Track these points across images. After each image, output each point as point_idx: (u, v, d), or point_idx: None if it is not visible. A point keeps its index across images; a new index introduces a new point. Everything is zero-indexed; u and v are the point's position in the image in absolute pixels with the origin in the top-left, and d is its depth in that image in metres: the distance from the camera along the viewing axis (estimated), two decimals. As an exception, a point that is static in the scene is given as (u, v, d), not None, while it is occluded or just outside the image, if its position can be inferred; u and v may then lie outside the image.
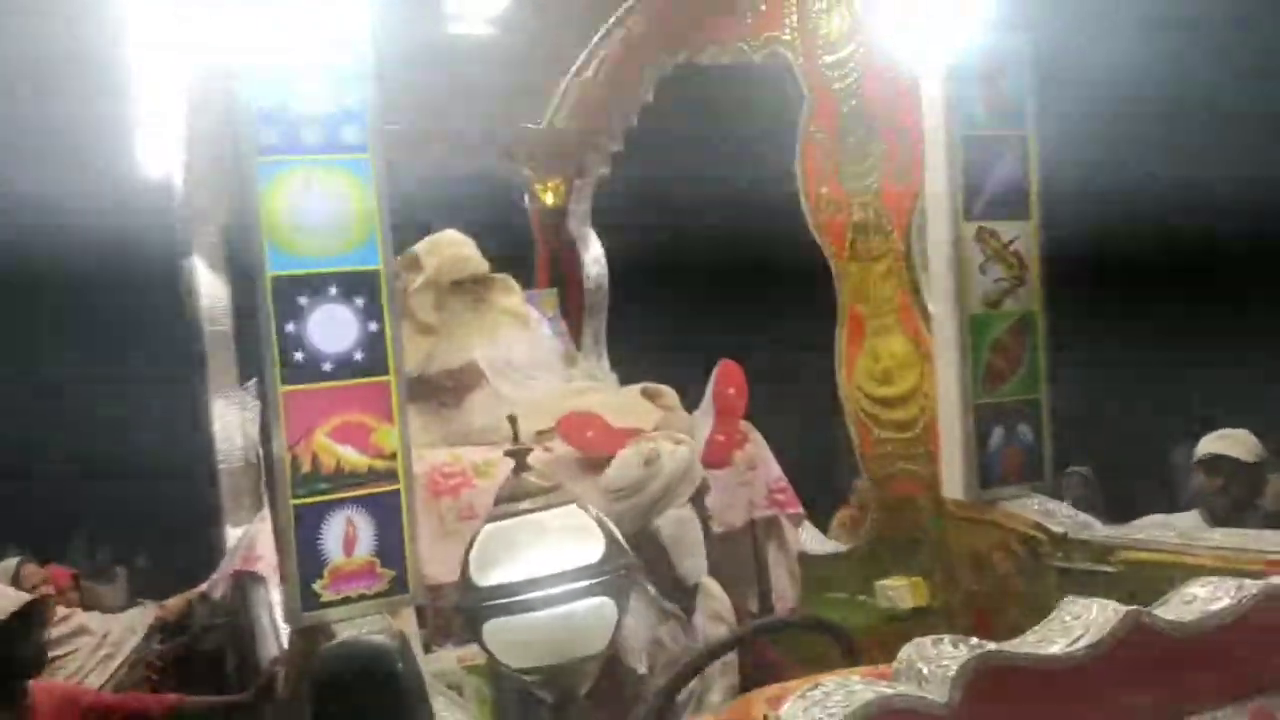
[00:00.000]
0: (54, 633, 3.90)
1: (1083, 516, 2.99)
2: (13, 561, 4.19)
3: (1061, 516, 2.99)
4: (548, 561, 1.34)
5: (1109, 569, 2.77)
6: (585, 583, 1.33)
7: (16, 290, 7.16)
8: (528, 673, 1.37)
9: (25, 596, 3.31)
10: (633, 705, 2.34)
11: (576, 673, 1.37)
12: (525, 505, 1.39)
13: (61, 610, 4.10)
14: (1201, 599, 1.81)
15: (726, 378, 3.27)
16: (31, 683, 3.24)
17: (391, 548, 2.38)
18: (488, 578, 1.34)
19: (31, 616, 3.21)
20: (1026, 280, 3.12)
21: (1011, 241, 3.10)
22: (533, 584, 1.32)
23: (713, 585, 2.55)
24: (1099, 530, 2.91)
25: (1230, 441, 3.82)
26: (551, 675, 1.36)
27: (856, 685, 1.59)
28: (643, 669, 2.43)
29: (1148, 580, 2.66)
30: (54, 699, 3.27)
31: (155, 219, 4.76)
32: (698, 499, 2.56)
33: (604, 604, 1.35)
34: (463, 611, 1.38)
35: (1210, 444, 3.86)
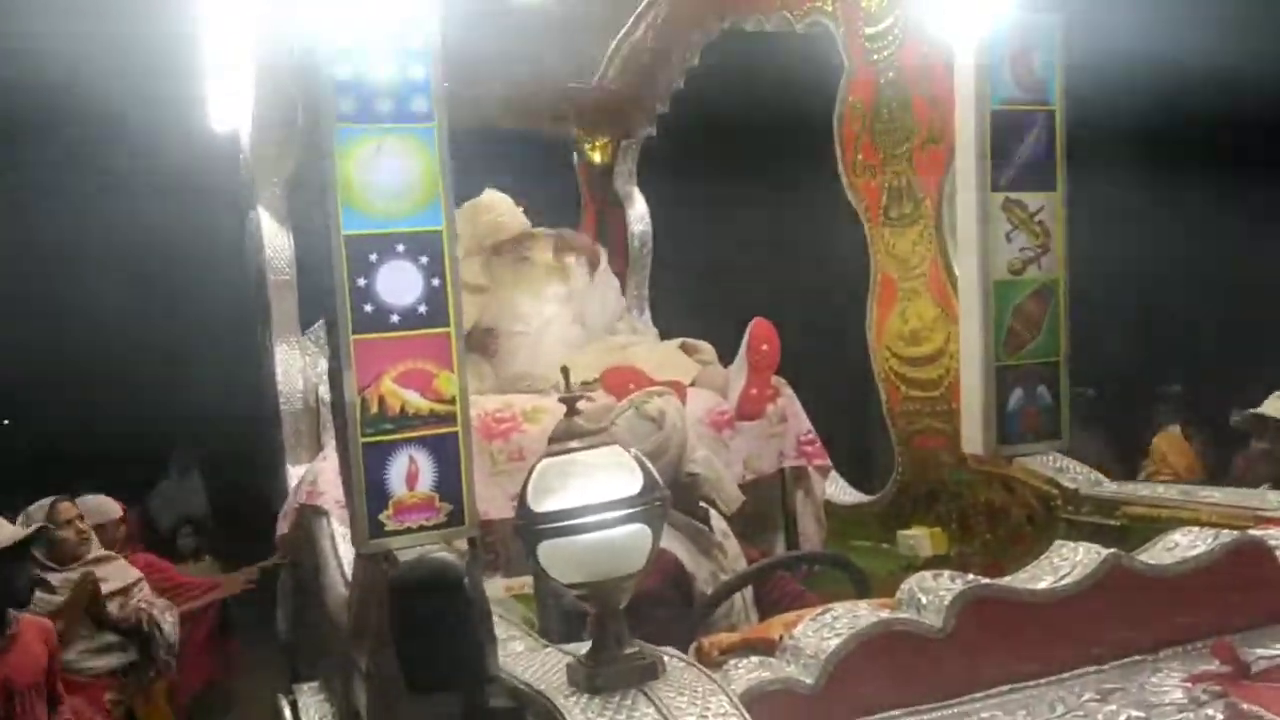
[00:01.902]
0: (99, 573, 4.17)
1: (1095, 475, 3.16)
2: (48, 500, 4.33)
3: (1074, 473, 3.17)
4: (594, 492, 1.55)
5: (1114, 523, 2.95)
6: (625, 511, 1.55)
7: (86, 240, 7.47)
8: (575, 587, 1.60)
9: (20, 533, 3.55)
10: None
11: (617, 589, 1.60)
12: (575, 445, 1.61)
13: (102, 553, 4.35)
14: (1181, 546, 2.01)
15: (760, 334, 3.46)
16: (18, 613, 3.49)
17: (449, 484, 2.60)
18: (543, 505, 1.56)
19: (24, 551, 3.45)
20: (1050, 249, 3.28)
21: (1037, 211, 3.25)
22: (581, 511, 1.54)
23: (714, 518, 2.80)
24: (1108, 487, 3.09)
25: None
26: (596, 590, 1.59)
27: (862, 611, 1.81)
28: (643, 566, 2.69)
29: (1149, 533, 2.84)
30: (36, 628, 3.54)
31: (222, 172, 4.98)
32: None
33: (641, 530, 1.57)
34: (521, 533, 1.60)
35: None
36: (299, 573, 4.21)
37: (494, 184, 4.52)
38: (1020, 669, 1.81)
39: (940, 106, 3.39)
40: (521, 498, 1.60)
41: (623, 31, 4.96)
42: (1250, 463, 3.80)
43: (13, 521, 3.90)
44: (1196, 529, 2.03)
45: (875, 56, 3.64)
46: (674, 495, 2.51)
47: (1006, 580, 1.88)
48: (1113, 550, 1.88)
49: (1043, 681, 1.81)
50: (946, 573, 1.85)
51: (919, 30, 3.44)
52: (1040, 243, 3.26)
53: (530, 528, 1.57)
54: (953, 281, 3.45)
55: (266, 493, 4.44)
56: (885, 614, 1.77)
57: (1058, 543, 1.94)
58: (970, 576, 1.84)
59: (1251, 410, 3.91)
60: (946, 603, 1.76)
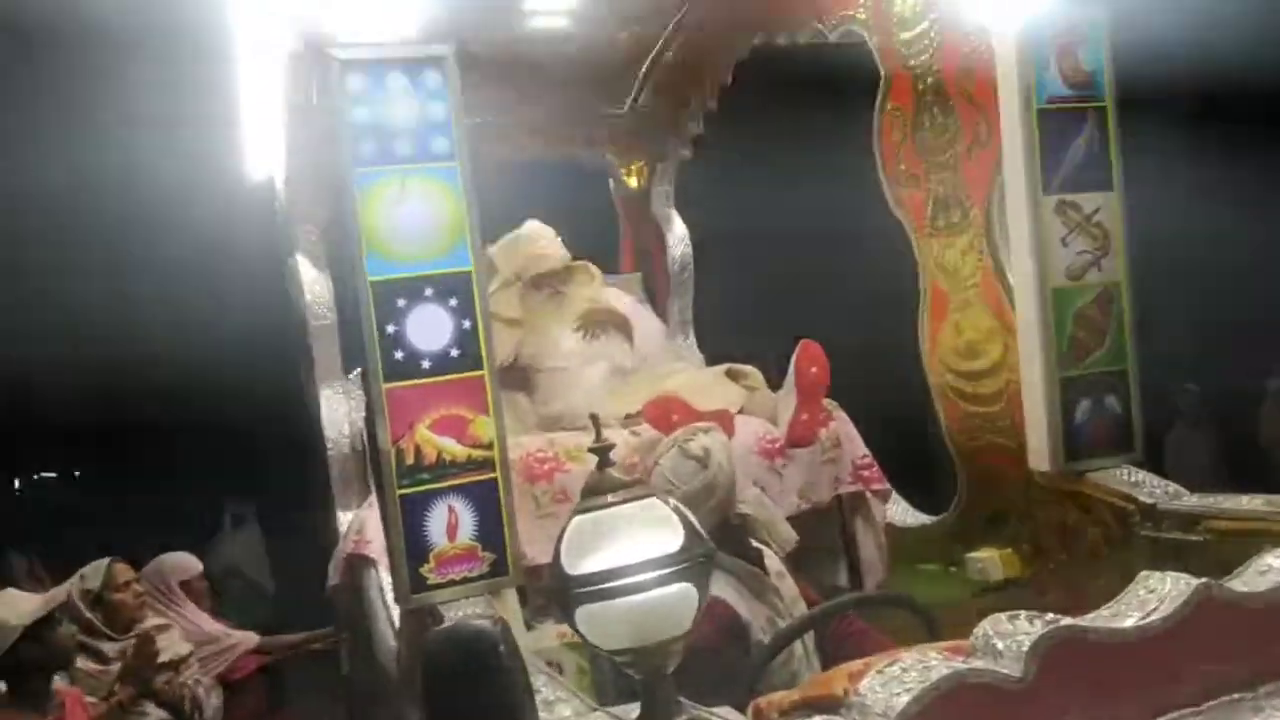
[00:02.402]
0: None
1: (1174, 487, 2.98)
2: (104, 562, 4.23)
3: (1151, 487, 3.00)
4: (632, 551, 1.44)
5: (1197, 538, 2.77)
6: (667, 570, 1.43)
7: (127, 289, 7.53)
8: (618, 654, 1.48)
9: (43, 608, 3.44)
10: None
11: (663, 653, 1.48)
12: (610, 499, 1.50)
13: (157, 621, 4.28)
14: (1276, 569, 1.84)
15: (808, 357, 3.33)
16: (59, 686, 3.39)
17: (491, 532, 2.52)
18: (577, 567, 1.45)
19: (50, 623, 3.35)
20: (1110, 251, 3.12)
21: (1094, 213, 3.10)
22: (619, 572, 1.43)
23: (768, 554, 2.66)
24: (1188, 500, 2.91)
25: None
26: (640, 656, 1.47)
27: (933, 660, 1.66)
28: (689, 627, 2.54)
29: (1236, 549, 2.66)
30: (79, 703, 3.43)
31: (258, 219, 4.97)
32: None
33: (685, 589, 1.45)
34: (556, 598, 1.49)
35: None
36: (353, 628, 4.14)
37: (529, 215, 4.45)
38: (1109, 715, 1.66)
39: (984, 109, 3.26)
40: (554, 558, 1.49)
41: (653, 53, 4.87)
42: None
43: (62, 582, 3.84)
44: (1292, 549, 1.86)
45: (913, 62, 3.51)
46: (724, 537, 2.40)
47: (1089, 619, 1.72)
48: (1203, 580, 1.72)
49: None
50: (1023, 613, 1.70)
51: (957, 32, 3.31)
52: (1099, 245, 3.11)
53: (566, 591, 1.46)
54: (1008, 291, 3.30)
55: (318, 542, 4.39)
56: (959, 663, 1.63)
57: (1143, 574, 1.79)
58: (1049, 616, 1.70)
59: None
60: (1025, 648, 1.61)
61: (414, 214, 2.43)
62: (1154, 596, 1.76)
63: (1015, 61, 3.04)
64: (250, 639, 4.66)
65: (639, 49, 4.86)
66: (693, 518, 1.52)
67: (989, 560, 3.43)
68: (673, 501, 1.54)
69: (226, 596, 6.07)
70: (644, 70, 4.94)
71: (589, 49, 4.62)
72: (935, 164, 3.52)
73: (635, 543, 1.45)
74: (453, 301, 2.46)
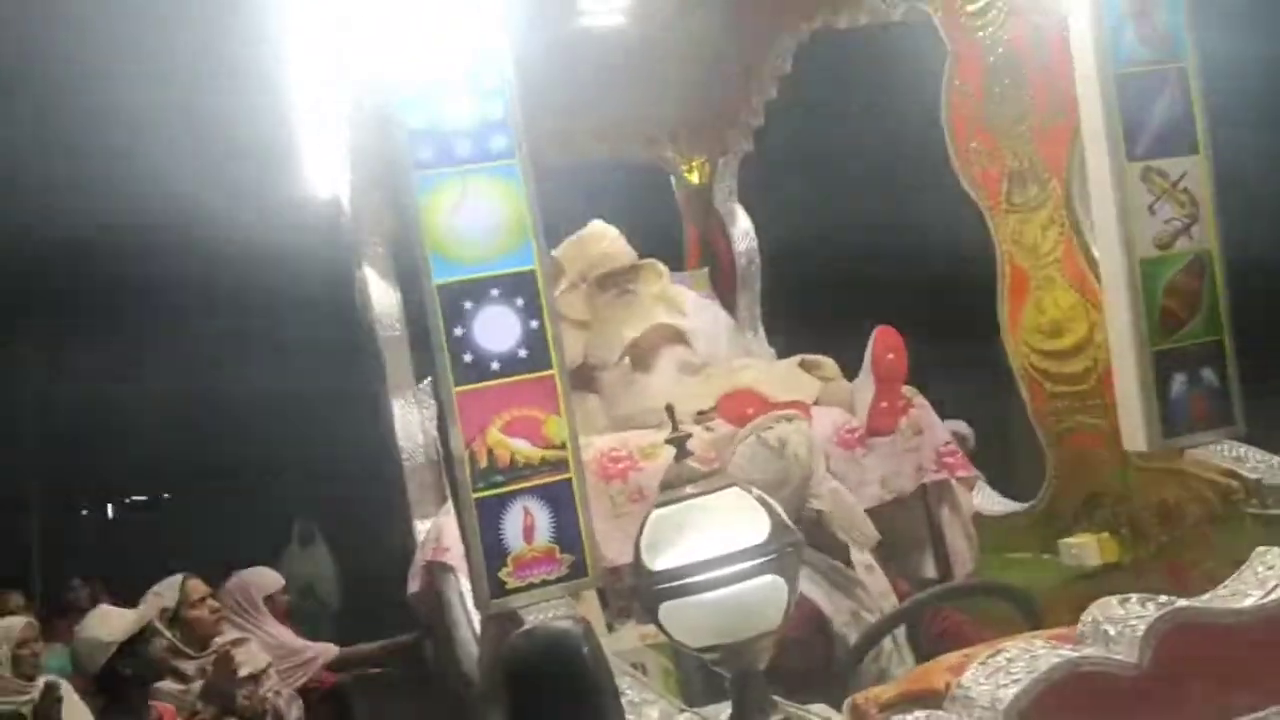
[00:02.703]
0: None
1: (1278, 460, 2.83)
2: (178, 578, 4.28)
3: (1255, 462, 2.85)
4: (716, 543, 1.38)
5: (1311, 514, 2.62)
6: (754, 562, 1.36)
7: (199, 310, 7.65)
8: (705, 651, 1.42)
9: (136, 623, 3.47)
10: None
11: (752, 649, 1.41)
12: (689, 490, 1.43)
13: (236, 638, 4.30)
14: None
15: (884, 343, 3.24)
16: (155, 702, 3.42)
17: (568, 533, 2.46)
18: (659, 562, 1.39)
19: (143, 637, 3.38)
20: (1199, 218, 2.97)
21: (1180, 178, 2.96)
22: (703, 566, 1.36)
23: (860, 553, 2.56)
24: (1297, 474, 2.76)
25: None
26: (729, 653, 1.40)
27: (1040, 649, 1.58)
28: (854, 638, 2.46)
29: (1357, 523, 2.52)
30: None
31: (326, 234, 5.01)
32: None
33: (774, 581, 1.38)
34: (638, 596, 1.44)
35: None
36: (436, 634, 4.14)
37: (591, 218, 4.41)
38: (1232, 703, 1.55)
39: (1058, 79, 3.13)
40: (635, 555, 1.43)
41: (709, 46, 4.80)
42: None
43: (138, 602, 3.90)
44: None
45: (980, 34, 3.40)
46: (803, 531, 2.33)
47: (1205, 600, 1.62)
48: (1331, 555, 1.60)
49: (1260, 715, 1.55)
50: (1134, 596, 1.61)
51: (1025, 1, 3.19)
52: (1188, 212, 2.96)
53: (648, 589, 1.40)
54: (1092, 265, 3.17)
55: (395, 554, 4.39)
56: (1068, 651, 1.54)
57: (1259, 549, 1.68)
58: (1163, 599, 1.59)
59: None
60: (1140, 633, 1.52)
61: (476, 214, 2.39)
62: (1273, 574, 1.66)
63: (1089, 25, 2.92)
64: (330, 650, 4.69)
65: (695, 42, 4.80)
66: (779, 507, 1.45)
67: (1085, 545, 3.29)
68: (756, 490, 1.47)
69: (299, 614, 6.12)
70: (702, 64, 4.88)
71: (644, 46, 4.57)
72: (1009, 138, 3.40)
73: (719, 535, 1.38)
74: (519, 301, 2.41)
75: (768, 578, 1.37)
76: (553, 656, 1.40)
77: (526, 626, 1.50)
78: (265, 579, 4.83)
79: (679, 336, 3.73)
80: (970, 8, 3.41)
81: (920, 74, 3.75)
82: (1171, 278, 2.97)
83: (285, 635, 4.66)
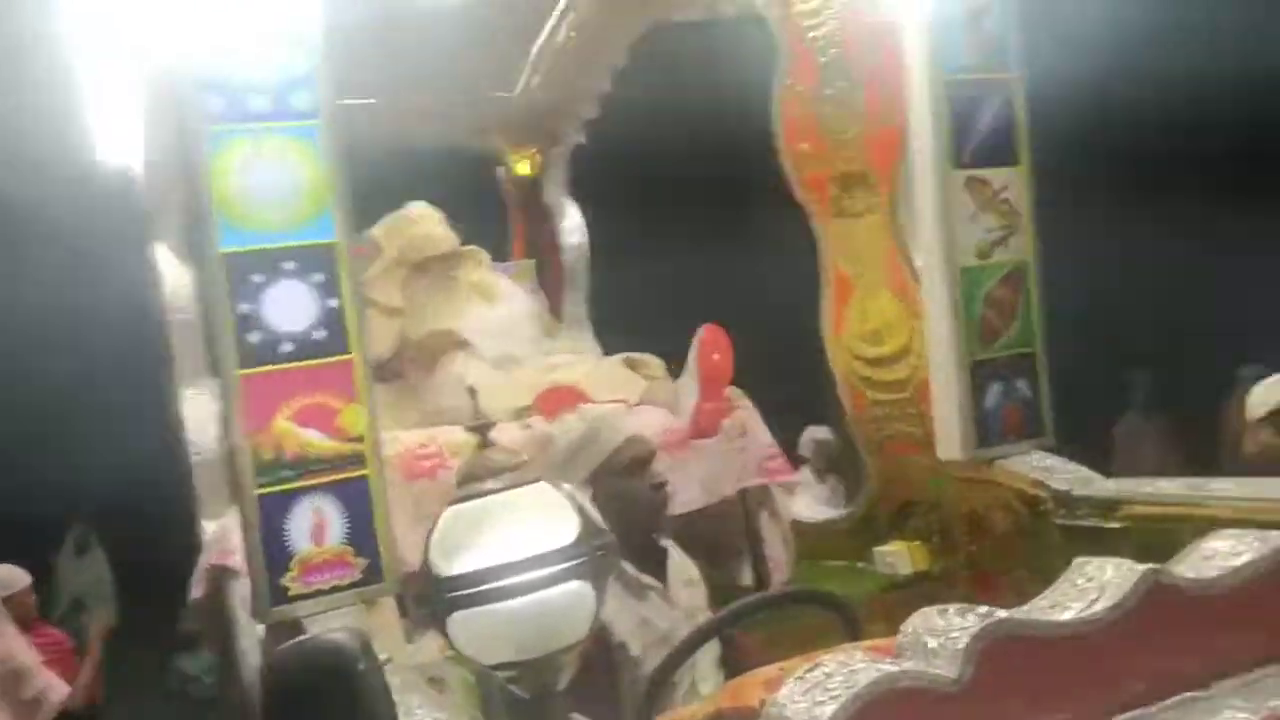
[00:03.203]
0: None
1: (1085, 472, 2.88)
2: None
3: (1064, 473, 2.89)
4: (517, 545, 1.21)
5: (1115, 525, 2.67)
6: (559, 566, 1.21)
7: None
8: (500, 668, 1.25)
9: None
10: (630, 690, 2.22)
11: (554, 665, 1.25)
12: (490, 485, 1.26)
13: None
14: (1222, 553, 1.70)
15: (711, 343, 3.15)
16: None
17: (364, 535, 2.26)
18: (451, 566, 1.22)
19: None
20: (1018, 229, 3.01)
21: (1002, 189, 2.99)
22: (501, 570, 1.20)
23: (676, 551, 2.43)
24: (1103, 485, 2.81)
25: None
26: (527, 670, 1.24)
27: (859, 664, 1.47)
28: (636, 651, 2.31)
29: (1157, 535, 2.56)
30: None
31: (115, 206, 4.59)
32: (636, 466, 2.38)
33: (581, 588, 1.23)
34: (423, 604, 1.26)
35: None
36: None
37: (416, 200, 4.17)
38: (1053, 718, 1.49)
39: (890, 84, 3.12)
40: (423, 558, 1.26)
41: (544, 35, 4.65)
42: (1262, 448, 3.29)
43: None
44: (1234, 532, 1.73)
45: (813, 34, 3.36)
46: (622, 529, 2.19)
47: (1026, 611, 1.56)
48: (1148, 566, 1.57)
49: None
50: (953, 607, 1.53)
51: (860, 3, 3.17)
52: (1008, 223, 3.00)
53: (437, 596, 1.22)
54: (914, 273, 3.18)
55: (178, 559, 4.04)
56: (888, 665, 1.44)
57: (1078, 561, 1.63)
58: (983, 610, 1.52)
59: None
60: (961, 645, 1.43)
61: (271, 178, 2.16)
62: (1093, 585, 1.60)
63: (922, 31, 2.91)
64: (59, 690, 4.15)
65: (529, 30, 4.64)
66: (590, 506, 1.30)
67: (898, 553, 3.30)
68: (567, 487, 1.31)
69: (71, 628, 5.58)
70: (535, 52, 4.72)
71: (478, 30, 4.38)
72: (839, 142, 3.37)
73: (521, 535, 1.22)
74: (316, 277, 2.19)
75: (573, 584, 1.21)
76: (320, 675, 1.21)
77: (294, 640, 1.31)
78: (8, 577, 4.36)
79: (493, 328, 3.55)
80: (803, 7, 3.37)
81: (755, 72, 3.69)
82: (990, 288, 3.00)
83: (18, 646, 4.14)
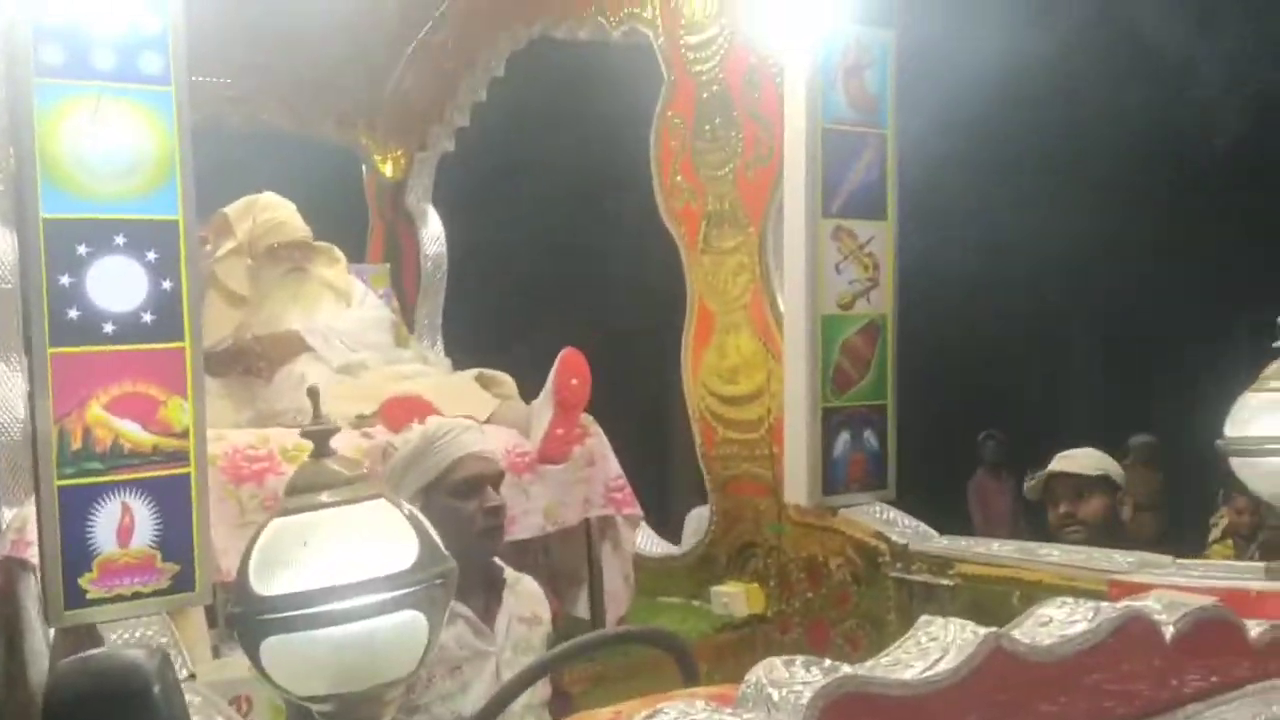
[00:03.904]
0: None
1: (923, 528, 2.93)
2: None
3: (903, 527, 2.93)
4: (347, 566, 1.11)
5: (947, 582, 2.71)
6: (392, 593, 1.10)
7: None
8: (315, 701, 1.14)
9: None
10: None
11: (377, 701, 1.14)
12: (324, 497, 1.15)
13: None
14: (1058, 621, 1.72)
15: (570, 367, 3.06)
16: None
17: (176, 539, 2.09)
18: (270, 584, 1.10)
19: None
20: (880, 283, 3.05)
21: (867, 242, 3.03)
22: (326, 594, 1.09)
23: (528, 584, 2.32)
24: (939, 542, 2.85)
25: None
26: (346, 705, 1.13)
27: (699, 712, 1.42)
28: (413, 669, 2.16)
29: (987, 595, 2.62)
30: None
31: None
32: (472, 487, 2.26)
33: (414, 619, 1.13)
34: (236, 623, 1.13)
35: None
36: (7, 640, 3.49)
37: (268, 189, 3.96)
38: (888, 778, 1.46)
39: (767, 124, 3.14)
40: (240, 572, 1.13)
41: (422, 33, 4.52)
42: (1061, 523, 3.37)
43: None
44: (1069, 601, 1.75)
45: (698, 68, 3.35)
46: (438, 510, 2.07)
47: (870, 667, 1.53)
48: (991, 630, 1.57)
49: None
50: (799, 659, 1.48)
51: (746, 41, 3.18)
52: (870, 275, 3.04)
53: (251, 617, 1.10)
54: (776, 315, 3.18)
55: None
56: (729, 715, 1.39)
57: (923, 618, 1.62)
58: (827, 663, 1.48)
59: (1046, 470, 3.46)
60: (805, 700, 1.39)
61: (109, 142, 1.98)
62: (936, 645, 1.59)
63: (804, 76, 2.93)
64: None
65: (406, 26, 4.51)
66: (431, 529, 1.20)
67: (735, 595, 3.28)
68: (407, 507, 1.21)
69: None
70: (410, 50, 4.58)
71: (351, 19, 4.22)
72: (712, 178, 3.36)
73: (352, 556, 1.11)
74: (150, 255, 2.02)
75: (407, 614, 1.11)
76: (109, 696, 1.07)
77: (81, 655, 1.17)
78: None
79: (342, 330, 3.38)
80: (691, 39, 3.36)
81: (635, 98, 3.66)
82: (848, 337, 3.03)
83: None
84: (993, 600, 2.55)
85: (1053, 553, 2.59)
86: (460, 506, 2.18)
